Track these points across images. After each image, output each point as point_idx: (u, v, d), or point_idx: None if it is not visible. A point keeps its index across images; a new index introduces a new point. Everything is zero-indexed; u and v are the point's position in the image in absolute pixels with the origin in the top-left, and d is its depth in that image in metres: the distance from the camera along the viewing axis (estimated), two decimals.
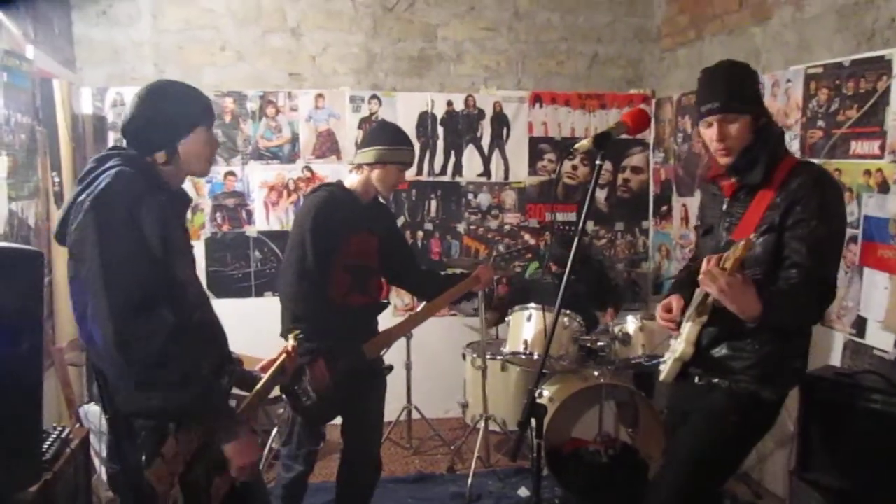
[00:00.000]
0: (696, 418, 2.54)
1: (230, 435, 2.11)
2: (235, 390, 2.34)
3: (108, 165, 2.05)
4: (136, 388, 1.98)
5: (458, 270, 4.57)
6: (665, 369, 2.57)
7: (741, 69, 2.51)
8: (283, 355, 2.46)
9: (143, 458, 1.99)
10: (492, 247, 5.49)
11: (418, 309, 3.47)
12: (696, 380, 2.54)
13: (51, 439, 2.65)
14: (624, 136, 2.30)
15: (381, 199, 3.36)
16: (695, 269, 2.50)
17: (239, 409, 2.28)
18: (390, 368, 3.37)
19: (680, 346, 2.48)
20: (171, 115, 2.16)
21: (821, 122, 3.72)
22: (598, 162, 2.15)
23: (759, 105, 2.48)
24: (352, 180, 3.21)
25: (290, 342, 2.54)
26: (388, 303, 3.55)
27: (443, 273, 4.16)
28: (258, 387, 2.37)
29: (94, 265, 1.93)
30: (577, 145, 2.24)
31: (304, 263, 3.00)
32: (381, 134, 3.19)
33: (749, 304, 2.20)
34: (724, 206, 2.58)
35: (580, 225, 2.18)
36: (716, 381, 2.48)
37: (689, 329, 2.48)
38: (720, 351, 2.47)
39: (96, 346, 1.97)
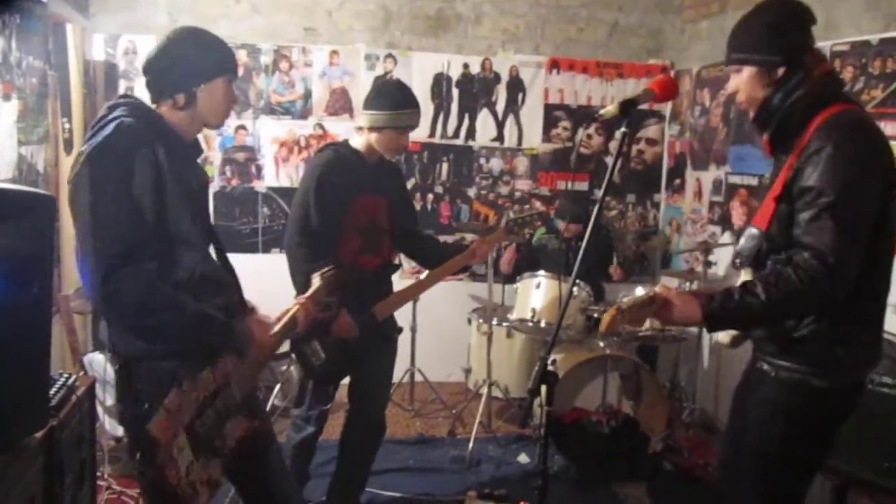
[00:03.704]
0: (749, 409, 2.25)
1: (246, 344, 2.20)
2: None
3: (111, 116, 2.02)
4: (129, 333, 2.02)
5: (466, 236, 4.54)
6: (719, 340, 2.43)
7: (757, 12, 2.18)
8: (296, 306, 2.44)
9: (146, 406, 1.97)
10: (502, 212, 5.42)
11: (422, 276, 3.44)
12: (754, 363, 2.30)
13: (56, 386, 2.63)
14: (642, 106, 2.22)
15: (388, 160, 3.24)
16: None
17: (245, 362, 2.25)
18: (400, 330, 3.35)
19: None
20: (197, 58, 2.12)
21: None
22: (623, 129, 2.07)
23: (772, 53, 2.11)
24: (357, 141, 3.15)
25: (316, 281, 2.56)
26: (400, 264, 3.52)
27: (442, 242, 4.10)
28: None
29: (86, 218, 1.95)
30: (602, 111, 2.17)
31: (308, 223, 2.99)
32: (378, 97, 3.07)
33: (690, 314, 2.06)
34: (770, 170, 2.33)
35: (602, 193, 2.13)
36: (765, 367, 2.18)
37: None
38: (757, 332, 2.24)
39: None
